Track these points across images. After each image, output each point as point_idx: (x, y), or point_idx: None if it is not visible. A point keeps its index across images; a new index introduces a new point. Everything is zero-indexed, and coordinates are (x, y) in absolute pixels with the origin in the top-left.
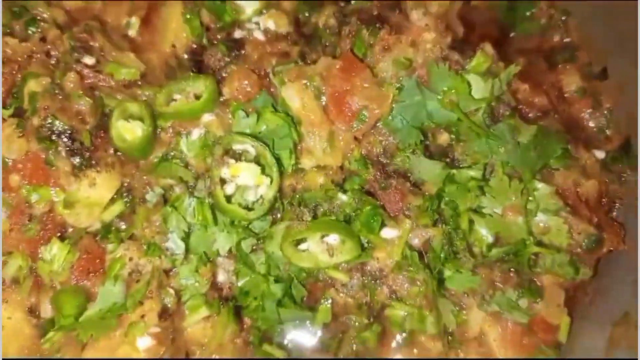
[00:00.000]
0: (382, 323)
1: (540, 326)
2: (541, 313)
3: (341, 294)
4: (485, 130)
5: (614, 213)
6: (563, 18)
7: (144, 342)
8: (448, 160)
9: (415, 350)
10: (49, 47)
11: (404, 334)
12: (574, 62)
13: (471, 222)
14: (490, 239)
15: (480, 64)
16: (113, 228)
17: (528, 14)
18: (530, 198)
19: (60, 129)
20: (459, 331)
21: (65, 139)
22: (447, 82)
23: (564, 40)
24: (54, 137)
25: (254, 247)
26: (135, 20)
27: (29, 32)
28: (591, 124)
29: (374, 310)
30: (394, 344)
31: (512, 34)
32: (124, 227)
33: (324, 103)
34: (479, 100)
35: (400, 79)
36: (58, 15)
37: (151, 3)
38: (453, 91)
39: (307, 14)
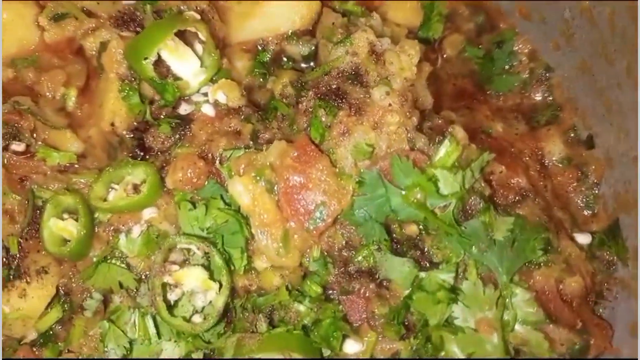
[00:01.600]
0: None
1: None
2: None
3: None
4: (457, 228)
5: (601, 309)
6: (545, 74)
7: None
8: (418, 252)
9: None
10: None
11: None
12: (556, 125)
13: (441, 338)
14: (462, 357)
15: (449, 155)
16: (53, 334)
17: (507, 67)
18: (507, 303)
19: None
20: None
21: None
22: (412, 178)
23: (547, 100)
24: None
25: (206, 354)
26: (72, 92)
27: None
28: (576, 200)
29: None
30: None
31: (488, 91)
32: (66, 333)
33: (276, 198)
34: (447, 196)
35: (362, 170)
36: None
37: (91, 70)
38: (418, 188)
39: (262, 80)
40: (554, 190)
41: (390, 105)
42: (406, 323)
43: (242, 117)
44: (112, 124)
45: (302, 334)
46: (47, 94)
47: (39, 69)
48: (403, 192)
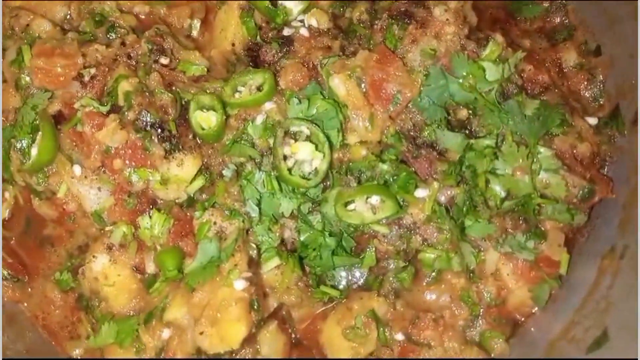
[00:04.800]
0: (415, 265)
1: (544, 262)
2: (545, 252)
3: (383, 243)
4: (497, 106)
5: (605, 169)
6: (563, 2)
7: (239, 284)
8: (467, 131)
9: (443, 286)
10: (129, 50)
11: (433, 273)
12: (571, 41)
13: (487, 181)
14: (502, 194)
15: (493, 52)
16: (195, 199)
17: None
18: (534, 160)
19: (152, 120)
20: (478, 269)
21: (156, 129)
22: (466, 68)
23: (564, 22)
24: (147, 128)
25: (311, 209)
26: (196, 22)
27: (110, 37)
28: (586, 95)
29: (409, 255)
30: (425, 282)
31: (517, 17)
32: (205, 197)
33: (364, 90)
34: (492, 82)
35: (427, 67)
36: (131, 21)
37: (209, 6)
38: (470, 76)
39: (342, 10)
40: (569, 87)
41: (447, 19)
42: (460, 174)
43: (331, 36)
44: (233, 44)
45: (385, 185)
46: (176, 24)
47: (169, 5)
48: (460, 81)
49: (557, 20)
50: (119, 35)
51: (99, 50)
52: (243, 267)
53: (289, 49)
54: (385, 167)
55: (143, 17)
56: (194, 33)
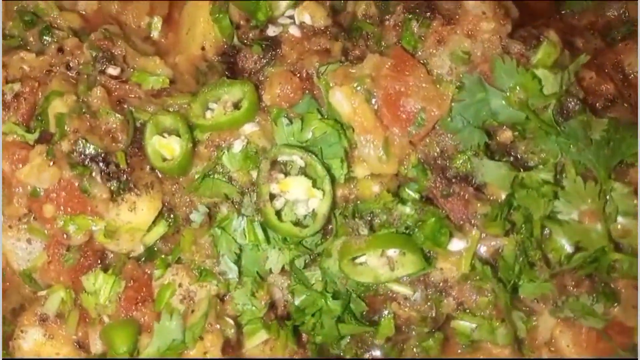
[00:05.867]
0: (445, 331)
1: (615, 329)
2: (617, 317)
3: (404, 308)
4: (556, 127)
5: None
6: None
7: None
8: (512, 159)
9: (481, 357)
10: (68, 58)
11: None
12: (634, 40)
13: (546, 229)
14: (569, 248)
15: (548, 56)
16: (157, 250)
17: None
18: (607, 200)
19: (92, 152)
20: (529, 337)
21: (99, 163)
22: (515, 78)
23: (622, 16)
24: (87, 162)
25: (308, 263)
26: (157, 20)
27: (44, 42)
28: None
29: (439, 322)
30: (458, 350)
31: (563, 11)
32: (168, 248)
33: (376, 107)
34: (548, 96)
35: (460, 75)
36: (73, 20)
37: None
38: (520, 88)
39: (343, 3)
40: (636, 99)
41: (484, 13)
42: (508, 220)
43: (329, 36)
44: (202, 48)
45: (406, 234)
46: (132, 24)
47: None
48: (505, 94)
49: (614, 14)
50: (55, 40)
51: (26, 60)
52: (215, 357)
53: (276, 53)
54: (406, 209)
55: (89, 15)
56: (155, 34)
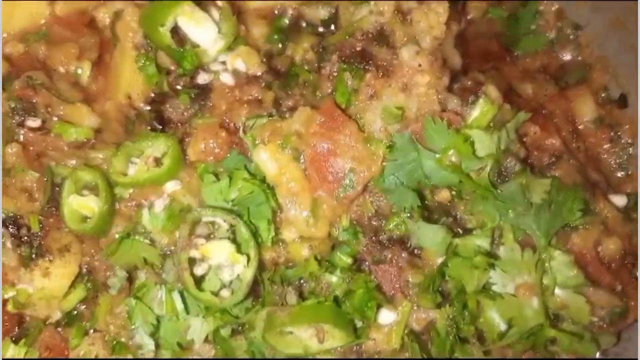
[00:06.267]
0: None
1: None
2: None
3: None
4: (492, 191)
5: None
6: (574, 32)
7: None
8: (450, 219)
9: None
10: None
11: None
12: (587, 84)
13: (479, 303)
14: (502, 326)
15: (484, 115)
16: (77, 314)
17: (533, 27)
18: (545, 270)
19: (3, 216)
20: None
21: (10, 228)
22: (446, 140)
23: (576, 59)
24: None
25: (235, 329)
26: (86, 66)
27: None
28: (610, 161)
29: None
30: None
31: (516, 53)
32: (89, 312)
33: (303, 166)
34: (483, 158)
35: (392, 134)
36: None
37: (104, 43)
38: (453, 150)
39: (280, 45)
40: (587, 151)
41: (420, 65)
42: (441, 291)
43: (263, 84)
44: (129, 97)
45: (334, 306)
46: (60, 68)
47: (51, 43)
48: (437, 156)
49: (567, 56)
50: None
51: None
52: None
53: (204, 103)
54: (333, 279)
55: (15, 59)
56: (83, 79)
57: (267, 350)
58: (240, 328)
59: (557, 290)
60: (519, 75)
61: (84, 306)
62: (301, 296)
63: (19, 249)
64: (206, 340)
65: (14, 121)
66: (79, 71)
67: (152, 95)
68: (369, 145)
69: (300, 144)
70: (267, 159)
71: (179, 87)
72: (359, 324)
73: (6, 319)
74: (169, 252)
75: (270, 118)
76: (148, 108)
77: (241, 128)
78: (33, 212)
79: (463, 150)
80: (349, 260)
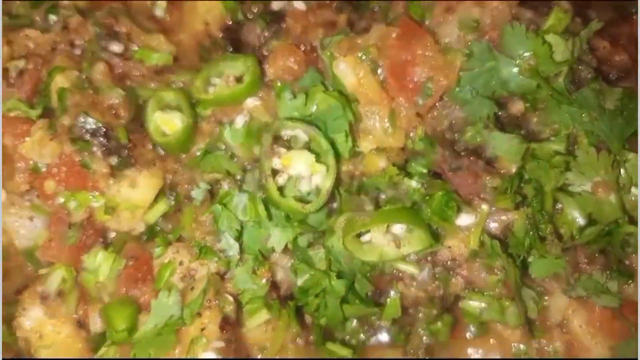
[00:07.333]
0: (454, 313)
1: (629, 308)
2: (632, 295)
3: (411, 288)
4: (568, 97)
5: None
6: None
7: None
8: (523, 132)
9: (491, 340)
10: (72, 36)
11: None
12: None
13: (557, 202)
14: (581, 221)
15: (559, 22)
16: (158, 229)
17: None
18: (621, 171)
19: (93, 127)
20: (540, 318)
21: (100, 138)
22: (525, 44)
23: None
24: (87, 137)
25: (312, 242)
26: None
27: (50, 21)
28: None
29: (447, 303)
30: (467, 335)
31: None
32: (169, 227)
33: (381, 77)
34: (560, 63)
35: (469, 44)
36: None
37: None
38: (529, 54)
39: None
40: None
41: None
42: (519, 195)
43: (335, 9)
44: (206, 23)
45: (413, 209)
46: (137, 2)
47: None
48: (515, 61)
49: None
50: (60, 18)
51: (31, 37)
52: (213, 334)
53: (280, 27)
54: (413, 183)
55: None
56: (159, 12)
57: (343, 259)
58: (317, 238)
59: (633, 190)
60: (578, 3)
61: (164, 221)
62: (377, 205)
63: (109, 159)
64: (285, 250)
65: (99, 46)
66: (155, 5)
67: (229, 23)
68: (446, 55)
69: (379, 56)
70: (347, 70)
71: (251, 16)
72: (435, 231)
73: (91, 231)
74: (249, 167)
75: (346, 35)
76: (223, 35)
77: (319, 46)
78: (120, 125)
79: (541, 54)
80: (424, 171)
